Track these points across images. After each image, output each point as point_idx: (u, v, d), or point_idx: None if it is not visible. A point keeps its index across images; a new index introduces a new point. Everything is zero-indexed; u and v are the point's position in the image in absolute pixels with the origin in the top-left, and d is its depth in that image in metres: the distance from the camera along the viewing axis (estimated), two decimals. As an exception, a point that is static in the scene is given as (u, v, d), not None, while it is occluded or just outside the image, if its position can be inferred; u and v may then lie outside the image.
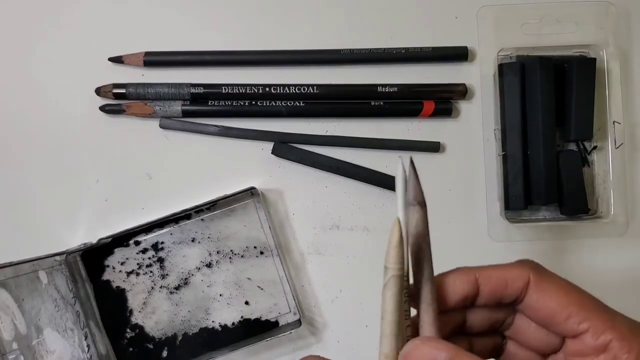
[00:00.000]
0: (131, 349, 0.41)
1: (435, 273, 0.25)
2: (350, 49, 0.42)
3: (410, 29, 0.43)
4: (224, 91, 0.42)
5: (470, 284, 0.25)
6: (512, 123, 0.41)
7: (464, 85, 0.42)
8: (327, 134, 0.43)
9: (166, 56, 0.42)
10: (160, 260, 0.41)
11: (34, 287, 0.36)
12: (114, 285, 0.41)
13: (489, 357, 0.27)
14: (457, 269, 0.26)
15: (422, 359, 0.22)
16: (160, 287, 0.41)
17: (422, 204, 0.25)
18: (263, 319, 0.41)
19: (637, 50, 0.43)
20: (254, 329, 0.41)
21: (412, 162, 0.24)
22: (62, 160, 0.42)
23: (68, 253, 0.39)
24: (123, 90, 0.42)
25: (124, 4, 0.43)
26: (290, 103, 0.42)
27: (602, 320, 0.23)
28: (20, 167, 0.42)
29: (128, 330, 0.41)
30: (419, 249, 0.24)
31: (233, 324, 0.41)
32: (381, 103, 0.42)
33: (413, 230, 0.24)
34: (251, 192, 0.41)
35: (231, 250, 0.41)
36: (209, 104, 0.42)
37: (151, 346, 0.41)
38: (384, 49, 0.42)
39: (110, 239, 0.40)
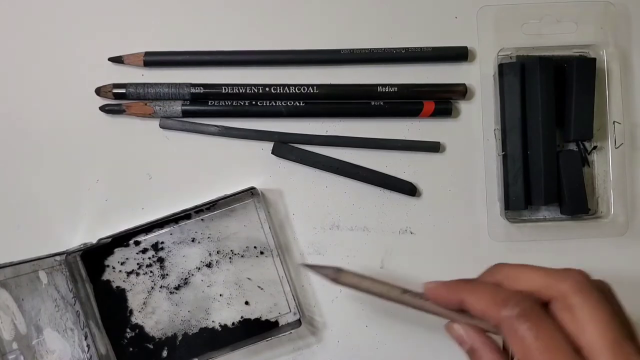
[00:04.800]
0: (131, 349, 0.41)
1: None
2: (350, 49, 0.42)
3: (410, 29, 0.43)
4: (224, 91, 0.42)
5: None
6: (512, 123, 0.41)
7: (464, 85, 0.42)
8: (327, 134, 0.43)
9: (166, 56, 0.42)
10: (160, 260, 0.41)
11: (34, 287, 0.36)
12: (114, 285, 0.41)
13: None
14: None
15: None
16: (160, 287, 0.41)
17: (337, 269, 0.30)
18: (263, 319, 0.41)
19: (637, 50, 0.43)
20: (254, 329, 0.41)
21: (304, 264, 0.33)
22: (62, 160, 0.42)
23: (68, 253, 0.39)
24: (123, 90, 0.42)
25: (124, 3, 0.43)
26: (290, 103, 0.42)
27: None
28: (20, 167, 0.42)
29: (128, 330, 0.41)
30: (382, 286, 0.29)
31: (233, 324, 0.41)
32: (381, 103, 0.42)
33: (367, 283, 0.29)
34: (251, 192, 0.41)
35: (231, 250, 0.41)
36: (209, 104, 0.42)
37: (151, 346, 0.41)
38: (384, 49, 0.42)
39: (110, 239, 0.40)
